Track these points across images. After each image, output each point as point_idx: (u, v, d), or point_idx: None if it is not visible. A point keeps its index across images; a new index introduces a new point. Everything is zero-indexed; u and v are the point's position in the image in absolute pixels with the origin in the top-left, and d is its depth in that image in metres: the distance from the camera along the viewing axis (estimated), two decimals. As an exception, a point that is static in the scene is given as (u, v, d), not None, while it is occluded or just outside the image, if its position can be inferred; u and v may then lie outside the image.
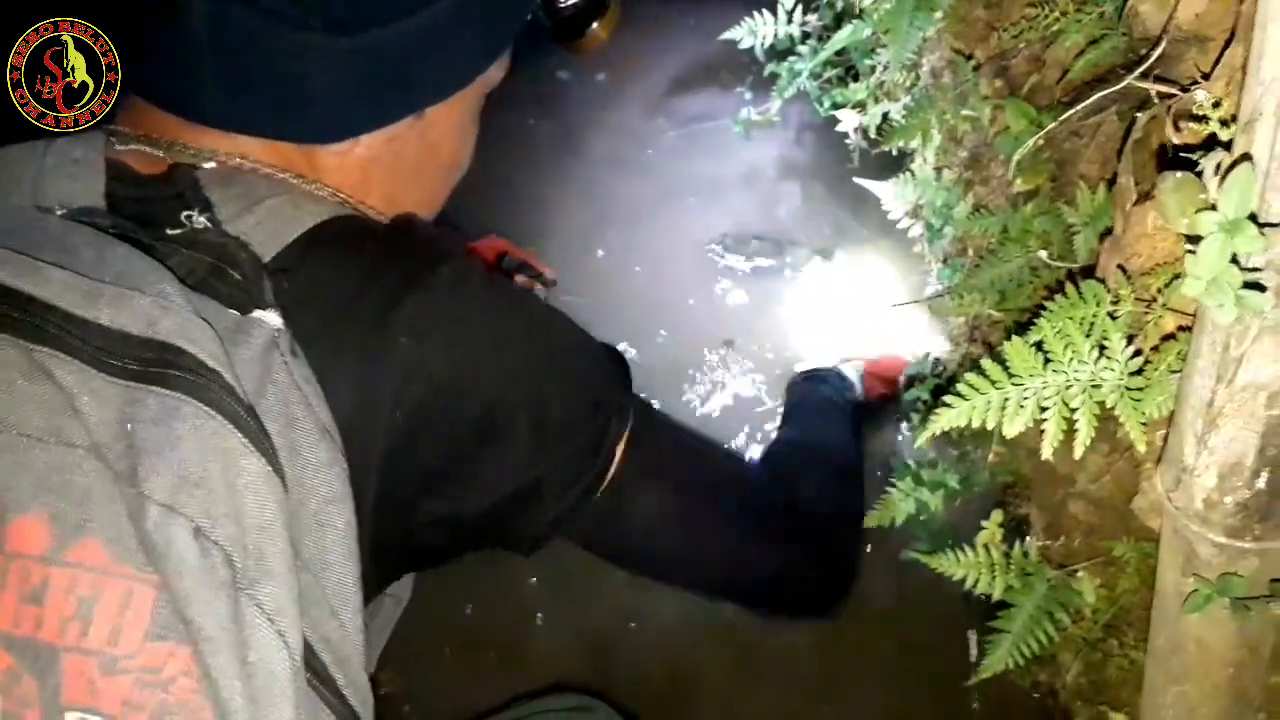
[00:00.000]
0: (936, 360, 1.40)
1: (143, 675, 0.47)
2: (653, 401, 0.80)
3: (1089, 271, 0.96)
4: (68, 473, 0.48)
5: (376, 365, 0.60)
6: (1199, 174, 0.47)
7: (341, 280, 0.61)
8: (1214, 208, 0.44)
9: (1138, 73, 0.61)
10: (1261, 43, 0.48)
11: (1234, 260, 0.43)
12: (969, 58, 1.22)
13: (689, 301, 1.57)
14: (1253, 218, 0.42)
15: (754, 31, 1.56)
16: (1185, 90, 0.61)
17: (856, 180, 1.44)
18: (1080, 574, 1.06)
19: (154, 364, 0.51)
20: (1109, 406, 0.66)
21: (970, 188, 1.26)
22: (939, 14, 1.15)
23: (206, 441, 0.50)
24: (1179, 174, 0.46)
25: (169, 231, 0.59)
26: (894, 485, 1.26)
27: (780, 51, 1.59)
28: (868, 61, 1.50)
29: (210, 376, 0.51)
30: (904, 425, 1.42)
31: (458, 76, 0.71)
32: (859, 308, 1.40)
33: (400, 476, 0.61)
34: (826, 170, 1.67)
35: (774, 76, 1.61)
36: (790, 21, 1.57)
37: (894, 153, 1.42)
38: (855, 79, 1.58)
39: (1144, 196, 0.70)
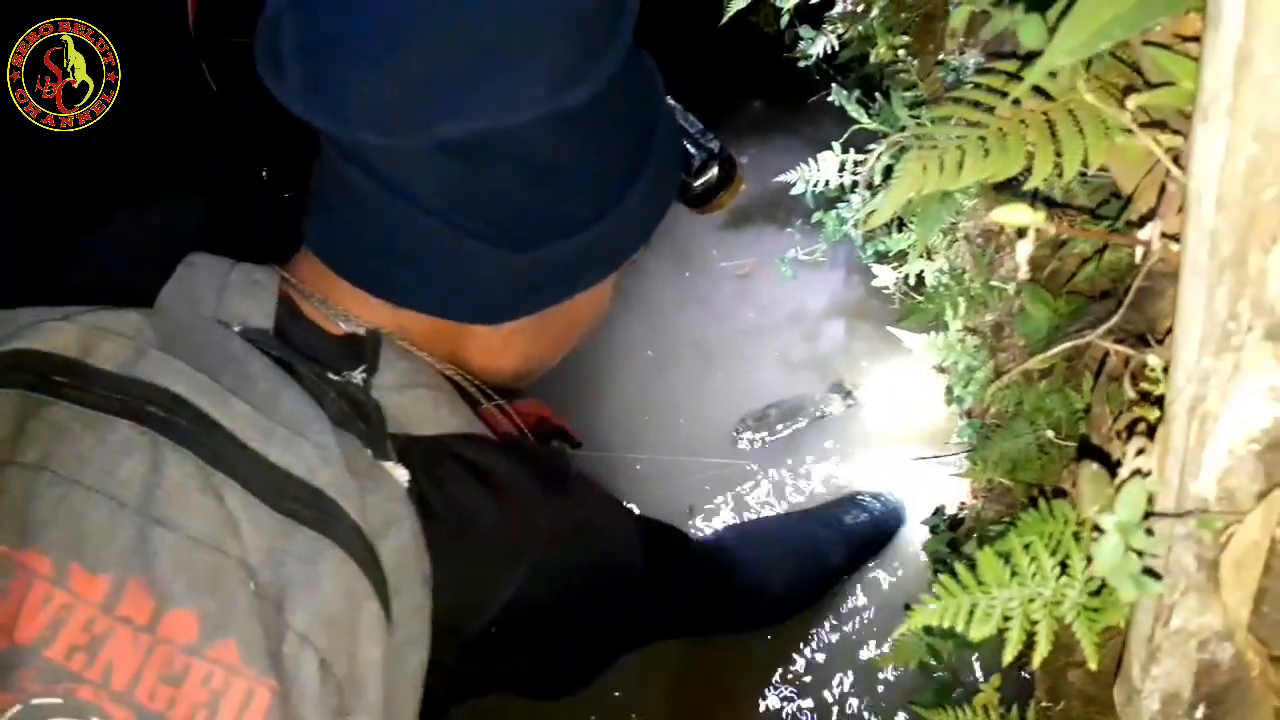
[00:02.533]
0: (958, 510, 1.45)
1: None
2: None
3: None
4: (220, 578, 0.55)
5: (486, 569, 0.72)
6: (1118, 463, 0.54)
7: (459, 486, 0.71)
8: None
9: (1101, 330, 0.68)
10: (1178, 350, 0.56)
11: (1135, 549, 0.50)
12: (999, 231, 1.30)
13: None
14: (1148, 516, 0.50)
15: (806, 179, 1.65)
16: (1140, 349, 0.68)
17: (890, 329, 1.51)
18: (1076, 744, 1.09)
19: (308, 506, 0.59)
20: (1067, 623, 0.71)
21: (994, 354, 1.32)
22: (968, 202, 1.23)
23: (342, 584, 0.58)
24: (1094, 466, 0.53)
25: (329, 375, 0.69)
26: (910, 631, 1.31)
27: (830, 198, 1.68)
28: (912, 216, 1.58)
29: (351, 528, 0.60)
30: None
31: (610, 269, 0.80)
32: (883, 455, 1.46)
33: (485, 646, 0.75)
34: (867, 312, 1.75)
35: (821, 223, 1.69)
36: (841, 171, 1.65)
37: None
38: (900, 229, 1.65)
39: (1115, 423, 0.77)
